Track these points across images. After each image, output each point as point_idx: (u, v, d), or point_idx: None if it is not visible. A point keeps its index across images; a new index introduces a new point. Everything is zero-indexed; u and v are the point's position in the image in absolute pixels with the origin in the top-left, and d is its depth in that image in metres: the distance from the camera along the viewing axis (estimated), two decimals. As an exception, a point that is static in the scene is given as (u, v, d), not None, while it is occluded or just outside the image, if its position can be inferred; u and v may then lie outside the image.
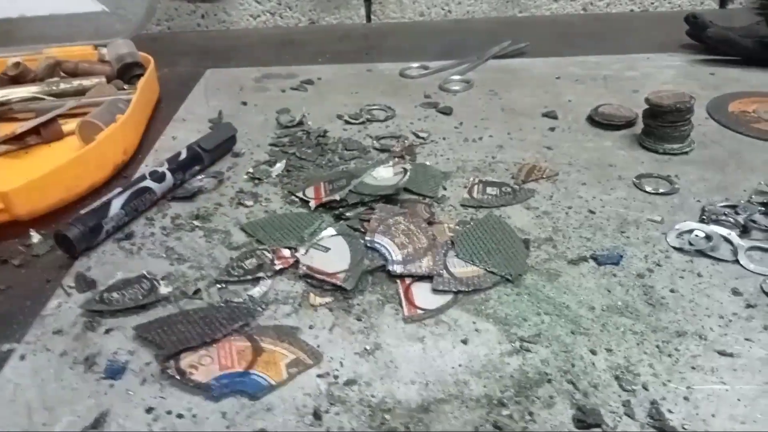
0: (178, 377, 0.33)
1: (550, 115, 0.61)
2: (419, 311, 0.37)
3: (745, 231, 0.43)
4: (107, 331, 0.36)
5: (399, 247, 0.41)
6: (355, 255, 0.40)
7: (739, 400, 0.31)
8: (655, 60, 0.74)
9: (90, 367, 0.34)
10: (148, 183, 0.47)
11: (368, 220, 0.43)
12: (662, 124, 0.53)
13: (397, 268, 0.39)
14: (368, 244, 0.41)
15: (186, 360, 0.34)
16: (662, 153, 0.53)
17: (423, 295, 0.38)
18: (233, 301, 0.38)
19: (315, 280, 0.39)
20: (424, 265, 0.40)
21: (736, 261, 0.40)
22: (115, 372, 0.33)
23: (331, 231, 0.43)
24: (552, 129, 0.59)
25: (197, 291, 0.39)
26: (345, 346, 0.35)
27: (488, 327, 0.36)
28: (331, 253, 0.41)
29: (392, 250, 0.41)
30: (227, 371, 0.33)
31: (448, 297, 0.38)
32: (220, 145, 0.54)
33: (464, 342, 0.35)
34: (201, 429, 0.30)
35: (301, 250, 0.41)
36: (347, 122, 0.61)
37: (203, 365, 0.33)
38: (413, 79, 0.72)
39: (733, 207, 0.45)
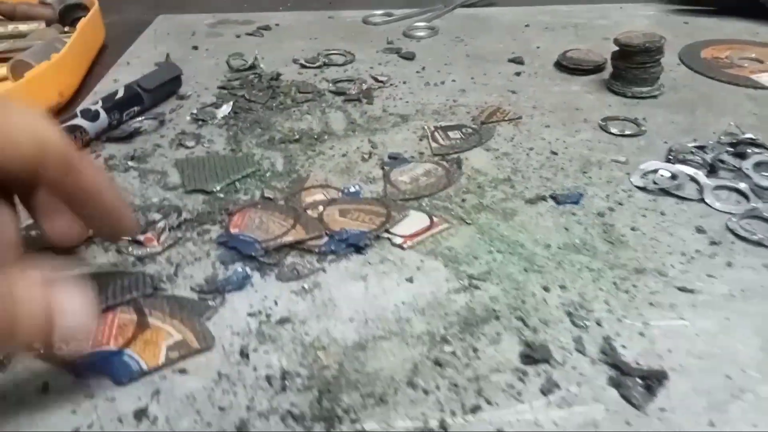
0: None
1: (517, 60, 0.58)
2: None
3: (712, 171, 0.41)
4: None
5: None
6: None
7: (698, 335, 0.29)
8: (628, 9, 0.71)
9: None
10: (78, 121, 0.43)
11: None
12: (631, 66, 0.50)
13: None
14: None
15: None
16: (630, 96, 0.51)
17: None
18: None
19: None
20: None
21: (702, 200, 0.38)
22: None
23: None
24: (518, 74, 0.56)
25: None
26: (281, 285, 0.32)
27: (437, 265, 0.33)
28: None
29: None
30: (99, 348, 0.28)
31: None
32: (162, 85, 0.50)
33: (409, 280, 0.32)
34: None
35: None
36: (303, 66, 0.58)
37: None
38: (376, 26, 0.68)
39: (701, 147, 0.43)
